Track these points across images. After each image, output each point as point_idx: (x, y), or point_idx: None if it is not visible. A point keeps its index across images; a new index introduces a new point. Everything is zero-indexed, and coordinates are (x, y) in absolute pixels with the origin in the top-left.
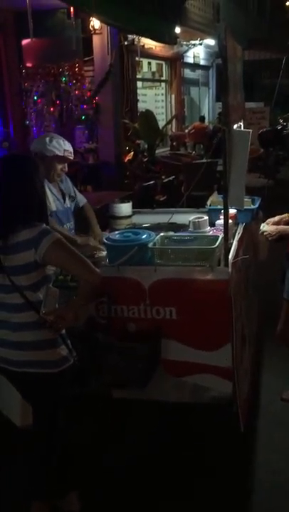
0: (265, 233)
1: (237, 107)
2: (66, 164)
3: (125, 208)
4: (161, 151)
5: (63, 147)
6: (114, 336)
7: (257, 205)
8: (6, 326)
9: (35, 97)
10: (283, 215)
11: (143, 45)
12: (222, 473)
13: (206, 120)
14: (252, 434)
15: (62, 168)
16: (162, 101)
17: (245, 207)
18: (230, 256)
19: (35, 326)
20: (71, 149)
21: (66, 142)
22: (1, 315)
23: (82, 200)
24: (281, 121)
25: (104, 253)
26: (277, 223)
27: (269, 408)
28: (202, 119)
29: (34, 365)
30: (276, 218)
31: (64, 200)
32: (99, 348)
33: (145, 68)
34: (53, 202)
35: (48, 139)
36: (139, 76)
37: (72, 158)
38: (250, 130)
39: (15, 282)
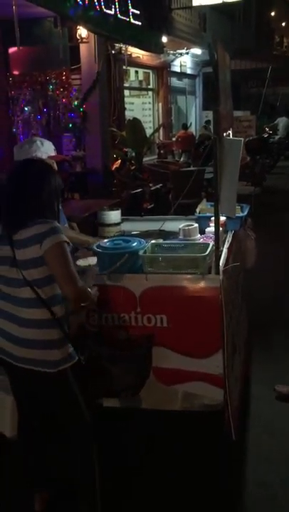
0: None
1: (226, 116)
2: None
3: (114, 216)
4: (149, 159)
5: (51, 147)
6: (105, 344)
7: (246, 213)
8: (13, 319)
9: (23, 106)
10: None
11: (130, 54)
12: (212, 483)
13: (193, 127)
14: (242, 443)
15: None
16: (149, 109)
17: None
18: (221, 263)
19: (42, 324)
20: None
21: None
22: (10, 308)
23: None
24: (267, 129)
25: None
26: None
27: (259, 416)
28: (185, 126)
29: (35, 363)
30: None
31: None
32: (89, 356)
33: (132, 77)
34: None
35: (39, 143)
36: (126, 84)
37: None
38: (242, 139)
39: (26, 277)
